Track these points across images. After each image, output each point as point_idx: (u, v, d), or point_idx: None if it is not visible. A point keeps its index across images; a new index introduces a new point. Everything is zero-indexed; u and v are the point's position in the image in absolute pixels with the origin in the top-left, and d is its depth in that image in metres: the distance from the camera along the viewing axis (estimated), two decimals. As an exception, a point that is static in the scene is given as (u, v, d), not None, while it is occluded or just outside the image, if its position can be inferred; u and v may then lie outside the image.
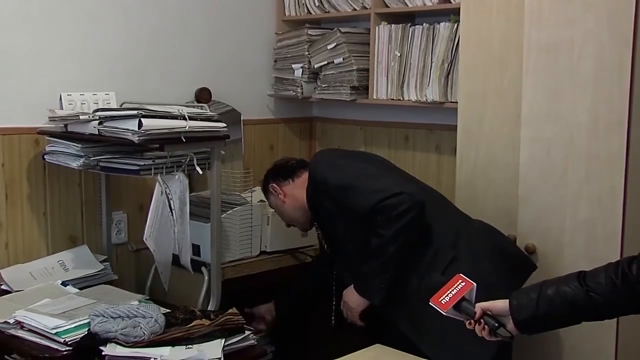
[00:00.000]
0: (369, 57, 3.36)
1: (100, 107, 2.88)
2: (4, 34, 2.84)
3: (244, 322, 2.48)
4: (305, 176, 2.72)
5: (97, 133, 2.63)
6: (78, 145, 2.68)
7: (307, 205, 2.68)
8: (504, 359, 2.44)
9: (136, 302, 2.56)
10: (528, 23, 2.56)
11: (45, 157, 2.84)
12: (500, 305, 1.79)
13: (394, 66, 3.26)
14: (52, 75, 2.96)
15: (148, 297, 2.82)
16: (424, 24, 3.15)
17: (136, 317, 2.34)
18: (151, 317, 2.35)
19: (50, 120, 2.79)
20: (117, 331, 2.29)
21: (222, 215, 2.90)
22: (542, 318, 1.75)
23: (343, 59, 3.39)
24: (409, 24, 3.21)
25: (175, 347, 2.30)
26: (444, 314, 1.83)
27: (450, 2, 3.04)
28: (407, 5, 3.19)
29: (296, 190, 2.75)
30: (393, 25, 3.24)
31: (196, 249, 2.90)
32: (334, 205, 2.56)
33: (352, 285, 2.58)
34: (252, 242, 3.09)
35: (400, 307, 2.46)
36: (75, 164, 2.68)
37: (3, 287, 2.76)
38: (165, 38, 3.31)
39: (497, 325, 1.78)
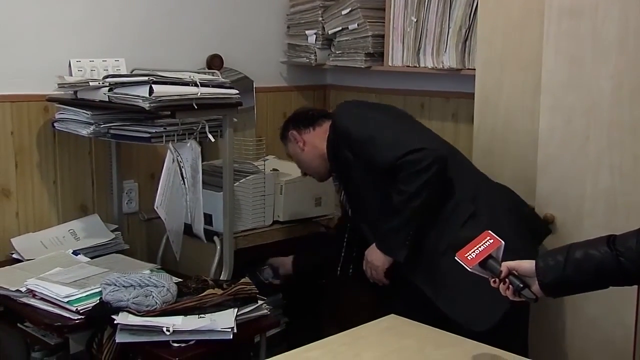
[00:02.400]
0: (384, 22, 3.34)
1: (110, 73, 2.89)
2: (13, 0, 2.83)
3: (257, 291, 2.49)
4: (326, 126, 2.72)
5: (107, 100, 2.63)
6: (88, 112, 2.68)
7: (327, 156, 2.68)
8: (517, 317, 2.43)
9: (148, 272, 2.58)
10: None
11: (55, 124, 2.85)
12: (527, 265, 1.78)
13: (410, 32, 3.23)
14: (61, 41, 2.96)
15: (160, 267, 2.84)
16: (442, -12, 3.13)
17: (148, 286, 2.36)
18: (163, 286, 2.36)
19: (59, 87, 2.79)
20: (129, 300, 2.31)
21: (235, 184, 2.90)
22: (568, 281, 1.74)
23: (358, 25, 3.38)
24: (426, -11, 3.18)
25: (188, 316, 2.31)
26: (469, 269, 1.82)
27: (469, -34, 3.00)
28: (424, -31, 3.17)
29: (316, 139, 2.75)
30: (409, -11, 3.22)
31: (208, 218, 2.90)
32: (355, 157, 2.56)
33: (373, 245, 2.58)
34: (265, 211, 3.09)
35: (417, 261, 2.47)
36: (85, 131, 2.69)
37: (14, 255, 2.79)
38: (177, 3, 3.29)
39: (522, 286, 1.77)
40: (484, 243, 1.82)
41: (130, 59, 3.08)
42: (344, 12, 3.41)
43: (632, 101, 2.37)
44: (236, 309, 2.37)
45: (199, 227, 2.83)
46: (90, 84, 2.70)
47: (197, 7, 3.37)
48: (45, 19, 2.91)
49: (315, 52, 3.57)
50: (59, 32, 2.96)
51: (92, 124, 2.67)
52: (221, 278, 2.76)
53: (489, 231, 1.85)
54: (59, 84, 2.79)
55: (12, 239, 2.82)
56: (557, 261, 1.74)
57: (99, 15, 3.06)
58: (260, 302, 2.48)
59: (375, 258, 2.57)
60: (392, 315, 2.25)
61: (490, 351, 1.95)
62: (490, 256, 1.80)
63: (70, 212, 3.02)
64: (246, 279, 2.53)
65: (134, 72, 2.85)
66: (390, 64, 3.34)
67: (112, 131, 2.69)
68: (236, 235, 2.92)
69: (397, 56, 3.31)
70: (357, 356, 1.96)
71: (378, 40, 3.36)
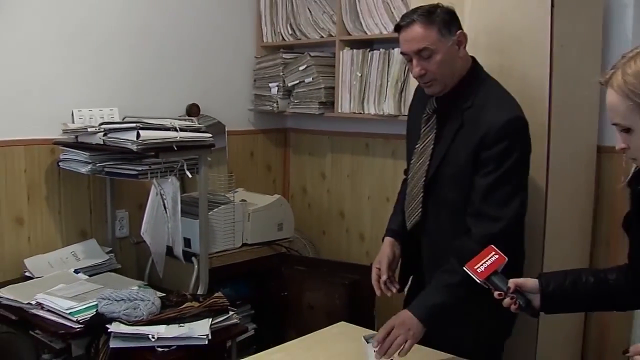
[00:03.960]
0: (334, 76, 3.36)
1: (105, 120, 2.90)
2: (26, 59, 2.85)
3: (228, 304, 2.50)
4: (468, 57, 2.05)
5: (102, 143, 2.66)
6: (86, 153, 2.71)
7: (457, 94, 2.01)
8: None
9: (136, 287, 2.57)
10: (471, 49, 2.31)
11: (60, 163, 2.86)
12: (531, 283, 1.67)
13: (355, 85, 3.27)
14: (65, 94, 2.97)
15: (146, 283, 2.82)
16: (381, 49, 3.17)
17: (136, 300, 2.37)
18: (149, 300, 2.38)
19: (63, 133, 2.84)
20: (120, 312, 2.32)
21: (209, 213, 2.89)
22: (568, 291, 1.65)
23: (312, 79, 3.41)
24: (368, 49, 3.23)
25: (170, 325, 2.33)
26: (478, 281, 1.66)
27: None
28: (367, 34, 3.22)
29: (465, 61, 2.05)
30: (355, 50, 3.26)
31: (187, 242, 2.90)
32: (474, 153, 1.94)
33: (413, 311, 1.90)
34: (235, 235, 3.07)
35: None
36: (84, 169, 2.71)
37: (26, 274, 2.78)
38: (162, 62, 3.31)
39: (526, 303, 1.65)
40: (490, 257, 1.68)
41: (123, 107, 3.08)
42: (301, 68, 3.43)
43: (534, 139, 2.14)
44: (211, 319, 2.38)
45: (179, 250, 2.83)
46: (89, 129, 2.73)
47: (179, 64, 3.38)
48: (53, 75, 2.92)
49: (277, 101, 3.56)
50: (64, 86, 2.96)
51: (89, 163, 2.69)
52: (198, 293, 2.76)
53: (493, 246, 1.70)
54: (63, 130, 2.83)
55: (24, 260, 2.80)
56: (558, 276, 1.69)
57: (98, 72, 3.07)
58: (231, 312, 2.49)
59: (413, 323, 1.87)
60: (342, 322, 2.24)
61: (437, 356, 1.91)
62: (496, 271, 1.67)
63: (72, 237, 3.00)
64: (219, 293, 2.53)
65: (125, 119, 2.85)
66: (339, 110, 3.35)
67: (106, 169, 2.71)
68: (211, 255, 2.89)
69: (345, 104, 3.32)
70: (314, 357, 1.96)
71: (329, 91, 3.38)
